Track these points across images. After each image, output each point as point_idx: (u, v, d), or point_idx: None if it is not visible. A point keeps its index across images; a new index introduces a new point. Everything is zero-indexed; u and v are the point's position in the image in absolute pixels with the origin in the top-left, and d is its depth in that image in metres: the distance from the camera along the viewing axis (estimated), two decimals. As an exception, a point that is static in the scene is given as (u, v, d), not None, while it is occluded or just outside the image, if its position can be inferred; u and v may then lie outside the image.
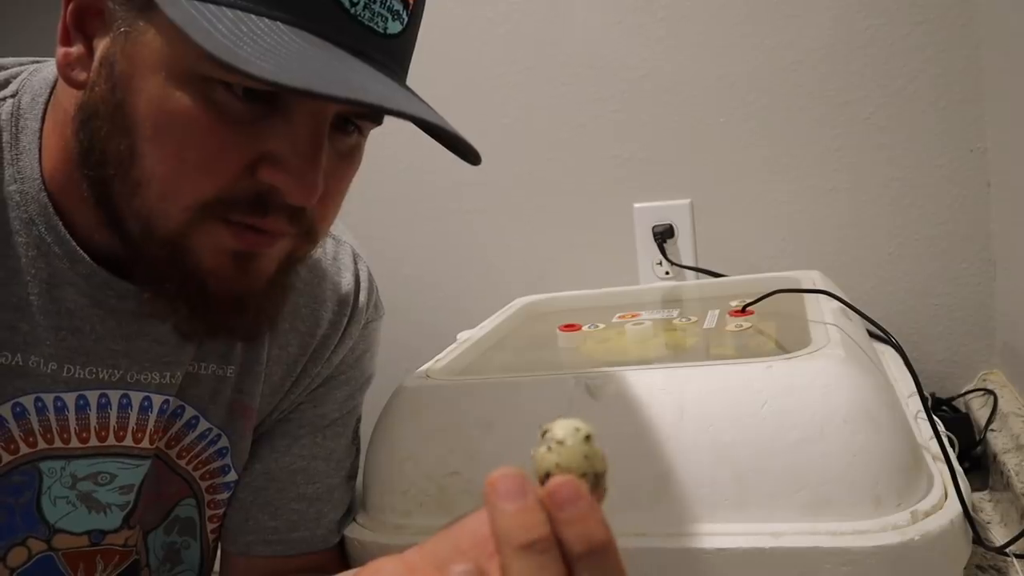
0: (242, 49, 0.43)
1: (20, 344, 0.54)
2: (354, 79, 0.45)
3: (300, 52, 0.44)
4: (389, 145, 1.20)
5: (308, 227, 0.53)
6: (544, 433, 0.37)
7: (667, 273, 1.18)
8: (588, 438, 0.36)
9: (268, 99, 0.48)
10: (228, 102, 0.47)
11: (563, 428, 0.36)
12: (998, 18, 0.96)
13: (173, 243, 0.50)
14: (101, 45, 0.49)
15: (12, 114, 0.54)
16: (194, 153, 0.48)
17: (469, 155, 0.51)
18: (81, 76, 0.50)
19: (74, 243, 0.54)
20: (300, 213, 0.51)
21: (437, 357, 0.80)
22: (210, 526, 0.67)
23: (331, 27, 0.47)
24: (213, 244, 0.50)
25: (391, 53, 0.50)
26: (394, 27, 0.50)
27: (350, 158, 0.54)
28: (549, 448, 0.36)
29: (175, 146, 0.48)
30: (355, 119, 0.52)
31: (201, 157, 0.48)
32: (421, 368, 0.76)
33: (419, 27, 0.54)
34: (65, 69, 0.51)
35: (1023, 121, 0.90)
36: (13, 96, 0.55)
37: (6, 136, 0.54)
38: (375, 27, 0.48)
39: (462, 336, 0.88)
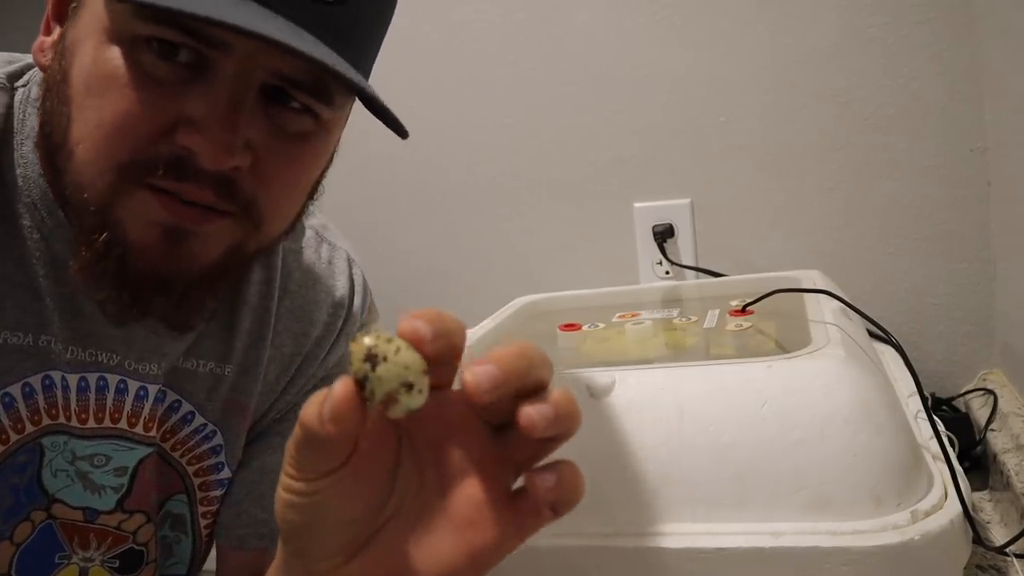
0: None
1: (33, 325, 0.54)
2: (256, 21, 0.43)
3: None
4: (389, 145, 1.20)
5: (245, 206, 0.50)
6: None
7: (667, 273, 1.18)
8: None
9: (193, 63, 0.47)
10: (152, 63, 0.47)
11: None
12: (999, 18, 0.96)
13: (102, 212, 0.48)
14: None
15: (22, 101, 0.56)
16: (113, 113, 0.47)
17: (397, 128, 0.49)
18: (47, 59, 0.52)
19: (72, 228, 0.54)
20: (228, 185, 0.49)
21: (437, 357, 0.79)
22: (203, 522, 0.67)
23: None
24: (142, 215, 0.48)
25: (323, 21, 0.48)
26: None
27: (302, 141, 0.52)
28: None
29: (98, 107, 0.47)
30: (292, 91, 0.50)
31: (119, 117, 0.47)
32: (421, 368, 0.76)
33: (378, 8, 0.52)
34: (38, 55, 0.52)
35: (1023, 121, 0.90)
36: (24, 86, 0.56)
37: (15, 123, 0.55)
38: None
39: (462, 336, 0.88)
